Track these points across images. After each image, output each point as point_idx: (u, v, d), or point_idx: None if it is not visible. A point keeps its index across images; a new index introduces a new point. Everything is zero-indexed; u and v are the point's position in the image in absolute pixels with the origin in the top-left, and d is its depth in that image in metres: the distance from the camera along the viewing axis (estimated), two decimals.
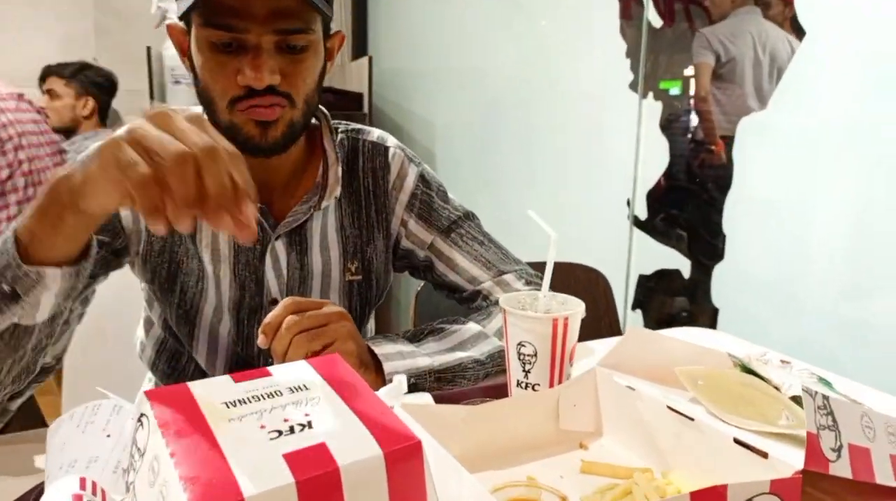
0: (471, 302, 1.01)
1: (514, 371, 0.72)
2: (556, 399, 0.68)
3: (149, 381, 1.08)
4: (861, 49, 1.19)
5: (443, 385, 0.82)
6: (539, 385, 0.71)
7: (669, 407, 0.63)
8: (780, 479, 0.48)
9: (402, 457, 0.39)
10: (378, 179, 0.96)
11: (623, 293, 1.72)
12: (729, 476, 0.52)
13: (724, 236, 1.47)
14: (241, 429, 0.38)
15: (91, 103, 2.61)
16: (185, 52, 0.84)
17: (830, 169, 1.26)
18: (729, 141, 1.45)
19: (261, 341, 0.73)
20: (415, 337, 0.87)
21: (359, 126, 1.00)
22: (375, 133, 1.00)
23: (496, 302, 0.96)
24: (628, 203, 1.70)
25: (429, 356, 0.83)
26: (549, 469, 0.63)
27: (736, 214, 1.45)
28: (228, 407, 0.40)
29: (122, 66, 2.72)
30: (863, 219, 1.22)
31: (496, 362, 0.86)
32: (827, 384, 0.79)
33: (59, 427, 0.54)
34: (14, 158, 1.73)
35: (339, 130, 0.97)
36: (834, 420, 0.54)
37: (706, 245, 1.52)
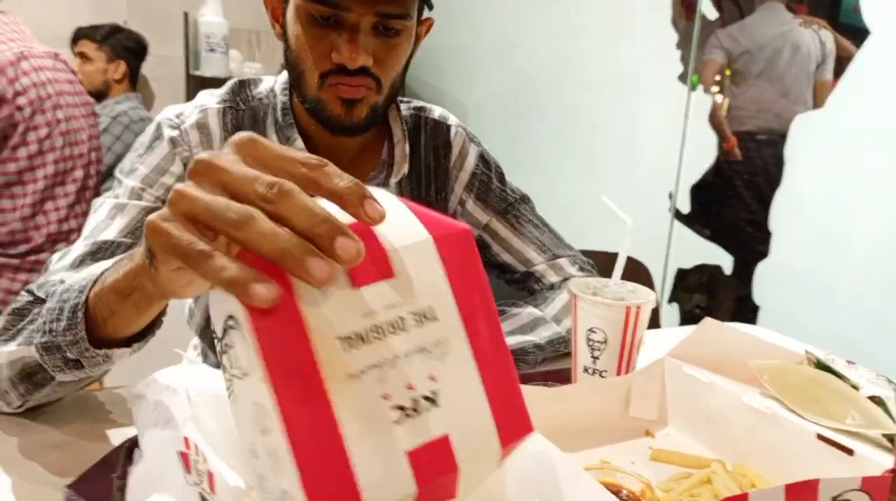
0: (522, 284, 1.01)
1: (582, 356, 0.72)
2: (627, 386, 0.68)
3: (193, 348, 1.08)
4: None
5: None
6: (606, 371, 0.71)
7: (744, 401, 0.63)
8: (871, 477, 0.48)
9: (514, 445, 0.38)
10: (440, 158, 0.96)
11: (660, 286, 1.71)
12: (808, 471, 0.52)
13: (768, 234, 1.46)
14: (362, 398, 0.33)
15: (122, 67, 2.60)
16: (277, 19, 0.83)
17: (876, 170, 1.25)
18: (780, 139, 1.44)
19: None
20: None
21: (420, 103, 0.99)
22: (437, 111, 0.99)
23: (550, 286, 0.96)
24: (670, 196, 1.69)
25: None
26: (620, 454, 0.64)
27: (782, 212, 1.44)
28: (345, 349, 0.33)
29: (152, 31, 2.70)
30: None
31: (555, 347, 0.86)
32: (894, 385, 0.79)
33: (148, 387, 0.54)
34: (53, 117, 1.72)
35: (402, 107, 0.97)
36: None
37: (745, 242, 1.51)
